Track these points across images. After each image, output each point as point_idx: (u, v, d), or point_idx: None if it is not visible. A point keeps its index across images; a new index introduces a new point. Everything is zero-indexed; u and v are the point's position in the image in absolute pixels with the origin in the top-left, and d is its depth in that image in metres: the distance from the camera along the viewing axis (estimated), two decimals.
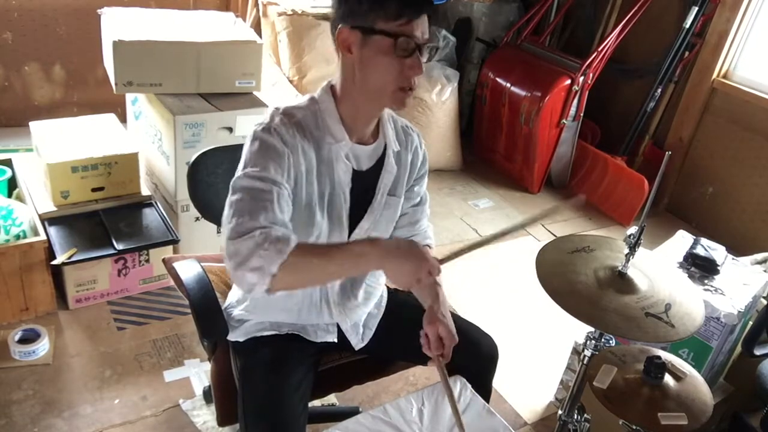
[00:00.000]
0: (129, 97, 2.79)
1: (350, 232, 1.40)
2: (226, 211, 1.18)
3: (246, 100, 2.51)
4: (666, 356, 1.42)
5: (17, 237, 2.17)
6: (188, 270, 1.52)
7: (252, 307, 1.46)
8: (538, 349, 2.49)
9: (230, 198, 1.19)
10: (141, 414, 1.96)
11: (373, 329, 1.55)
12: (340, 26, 1.22)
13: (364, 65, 1.23)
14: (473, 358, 1.48)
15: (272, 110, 1.29)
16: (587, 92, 3.53)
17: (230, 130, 2.42)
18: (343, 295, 1.46)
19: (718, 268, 1.98)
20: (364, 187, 1.38)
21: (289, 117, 1.27)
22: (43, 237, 2.18)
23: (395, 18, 1.18)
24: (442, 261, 1.26)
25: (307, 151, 1.27)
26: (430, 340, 1.31)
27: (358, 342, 1.52)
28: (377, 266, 1.19)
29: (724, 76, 3.42)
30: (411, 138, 1.46)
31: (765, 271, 2.15)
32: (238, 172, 1.21)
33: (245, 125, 2.43)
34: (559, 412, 1.63)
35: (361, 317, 1.54)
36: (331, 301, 1.45)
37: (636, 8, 3.46)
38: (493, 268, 2.99)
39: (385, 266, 1.17)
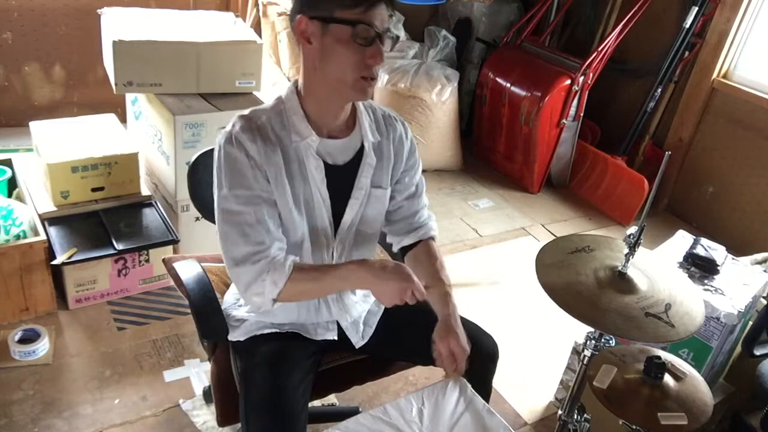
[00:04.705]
0: (129, 97, 2.79)
1: (336, 228, 1.39)
2: (218, 233, 1.29)
3: (246, 100, 2.51)
4: (666, 356, 1.42)
5: (17, 237, 2.17)
6: (188, 270, 1.52)
7: (251, 308, 1.46)
8: (538, 349, 2.49)
9: (216, 218, 1.29)
10: (141, 414, 1.96)
11: (374, 327, 1.55)
12: (298, 16, 1.23)
13: (324, 56, 1.23)
14: (474, 357, 1.46)
15: (236, 116, 1.30)
16: (587, 92, 3.52)
17: None
18: (341, 293, 1.46)
19: (718, 268, 1.98)
20: (342, 181, 1.37)
21: (250, 121, 1.29)
22: (43, 237, 2.18)
23: (353, 6, 1.19)
24: None
25: (272, 155, 1.28)
26: (443, 356, 1.31)
27: (358, 340, 1.52)
28: (365, 287, 1.32)
29: (724, 76, 3.42)
30: (393, 127, 1.44)
31: (765, 271, 2.15)
32: (215, 188, 1.29)
33: None
34: (559, 412, 1.63)
35: (360, 314, 1.54)
36: (330, 299, 1.46)
37: (636, 8, 3.46)
38: (493, 268, 2.99)
39: (372, 287, 1.27)
